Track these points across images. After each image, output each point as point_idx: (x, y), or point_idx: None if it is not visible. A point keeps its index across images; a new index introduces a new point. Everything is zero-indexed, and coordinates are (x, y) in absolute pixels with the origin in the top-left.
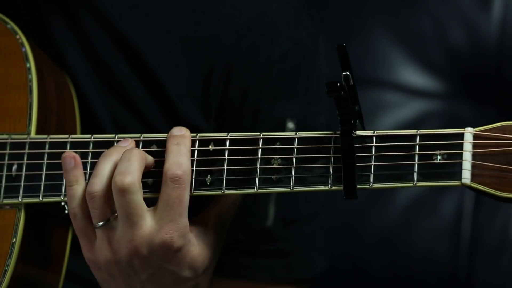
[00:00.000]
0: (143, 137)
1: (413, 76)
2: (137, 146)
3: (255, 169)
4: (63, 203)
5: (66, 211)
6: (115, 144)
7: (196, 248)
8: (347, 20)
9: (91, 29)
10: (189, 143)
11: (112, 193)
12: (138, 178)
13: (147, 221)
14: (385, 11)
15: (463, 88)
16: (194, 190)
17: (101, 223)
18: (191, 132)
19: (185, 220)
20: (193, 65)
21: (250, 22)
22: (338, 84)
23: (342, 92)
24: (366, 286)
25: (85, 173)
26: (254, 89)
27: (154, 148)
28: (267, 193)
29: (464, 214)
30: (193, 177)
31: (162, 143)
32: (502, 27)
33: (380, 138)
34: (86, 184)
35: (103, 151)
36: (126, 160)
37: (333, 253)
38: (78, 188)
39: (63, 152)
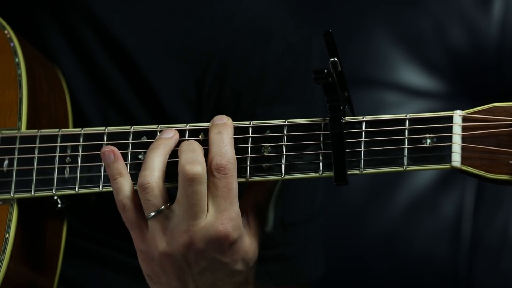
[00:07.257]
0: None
1: (413, 76)
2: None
3: (246, 158)
4: (55, 197)
5: (59, 205)
6: (159, 135)
7: (247, 239)
8: (347, 20)
9: (84, 33)
10: (231, 130)
11: (163, 184)
12: (205, 169)
13: (205, 214)
14: (386, 11)
15: (463, 88)
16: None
17: (153, 213)
18: None
19: (236, 208)
20: (185, 69)
21: (243, 25)
22: (325, 71)
23: (330, 78)
24: (366, 287)
25: (76, 167)
26: (248, 92)
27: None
28: (258, 181)
29: (464, 214)
30: None
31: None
32: (502, 27)
33: (369, 123)
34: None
35: (94, 144)
36: (191, 150)
37: (333, 253)
38: (123, 180)
39: (53, 146)
